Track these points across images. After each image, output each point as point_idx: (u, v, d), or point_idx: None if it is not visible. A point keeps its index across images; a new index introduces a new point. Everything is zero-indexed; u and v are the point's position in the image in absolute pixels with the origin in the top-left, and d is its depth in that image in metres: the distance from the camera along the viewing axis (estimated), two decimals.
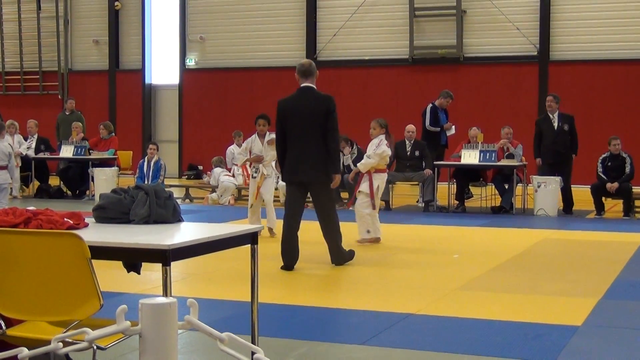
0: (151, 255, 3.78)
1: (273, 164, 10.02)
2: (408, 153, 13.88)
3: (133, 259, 4.05)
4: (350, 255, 8.21)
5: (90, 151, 15.65)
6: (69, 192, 16.00)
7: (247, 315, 4.51)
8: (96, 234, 3.98)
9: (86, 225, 4.13)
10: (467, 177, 13.82)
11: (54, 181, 16.44)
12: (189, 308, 2.28)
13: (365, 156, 9.76)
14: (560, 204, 13.09)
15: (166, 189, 4.57)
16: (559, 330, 5.58)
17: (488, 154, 13.28)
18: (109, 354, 3.63)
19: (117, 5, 22.26)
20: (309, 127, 7.78)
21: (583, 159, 13.35)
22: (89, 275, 3.39)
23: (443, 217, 12.70)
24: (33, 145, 16.19)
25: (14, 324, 3.67)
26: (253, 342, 4.47)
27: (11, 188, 15.16)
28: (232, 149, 15.59)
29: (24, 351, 2.09)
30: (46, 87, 23.03)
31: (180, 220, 4.47)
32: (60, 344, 2.14)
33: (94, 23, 22.69)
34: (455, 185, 13.83)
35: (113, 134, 16.28)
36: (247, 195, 11.03)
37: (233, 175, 15.12)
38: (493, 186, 13.72)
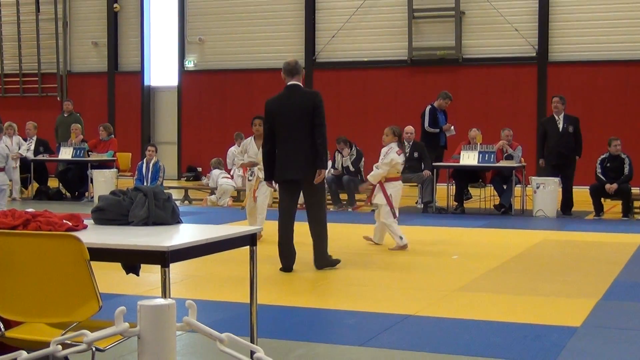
0: (150, 257, 3.78)
1: None
2: (407, 154, 13.88)
3: (132, 260, 4.06)
4: (334, 262, 8.08)
5: (90, 153, 15.65)
6: (67, 194, 16.01)
7: (246, 317, 4.51)
8: (95, 235, 3.98)
9: (85, 227, 4.13)
10: (466, 178, 13.84)
11: (53, 183, 16.43)
12: (188, 309, 2.28)
13: (374, 167, 9.57)
14: (559, 205, 13.10)
15: (165, 191, 4.57)
16: (558, 331, 5.58)
17: (487, 155, 13.29)
18: (107, 356, 3.63)
19: (116, 7, 22.27)
20: (298, 124, 7.76)
21: (582, 160, 13.36)
22: (87, 276, 3.39)
23: (442, 218, 12.71)
24: (32, 147, 16.20)
25: (12, 325, 3.67)
26: (252, 343, 4.47)
27: (11, 190, 15.19)
28: (233, 150, 15.60)
29: (23, 354, 2.09)
30: (45, 89, 23.03)
31: (179, 221, 4.47)
32: (59, 347, 2.14)
33: (93, 25, 22.70)
34: (454, 187, 13.85)
35: (112, 135, 16.29)
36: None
37: (232, 177, 15.13)
38: (492, 187, 13.73)
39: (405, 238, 9.35)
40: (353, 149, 14.19)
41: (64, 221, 3.95)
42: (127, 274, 4.25)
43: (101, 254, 3.70)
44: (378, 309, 6.25)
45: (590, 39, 18.52)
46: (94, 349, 3.18)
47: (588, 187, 13.06)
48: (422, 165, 13.64)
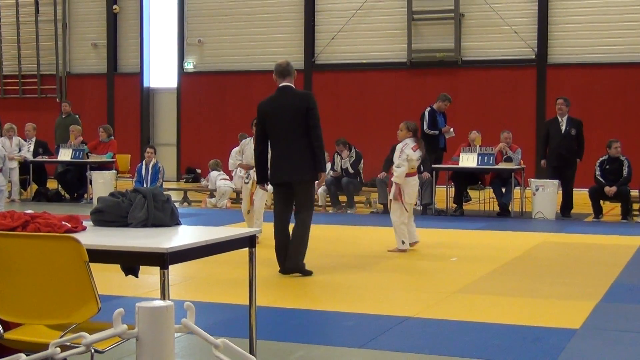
0: (149, 259, 3.78)
1: None
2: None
3: (131, 262, 4.06)
4: (306, 271, 7.78)
5: (89, 154, 15.65)
6: (67, 196, 16.00)
7: (245, 319, 4.51)
8: (94, 237, 3.98)
9: (84, 228, 4.13)
10: (465, 180, 13.83)
11: (52, 184, 16.43)
12: (187, 311, 2.28)
13: (394, 167, 9.32)
14: (558, 207, 13.10)
15: (164, 192, 4.57)
16: (557, 333, 5.58)
17: (486, 157, 13.29)
18: (106, 358, 3.63)
19: (115, 9, 22.27)
20: (291, 125, 7.68)
21: (581, 162, 13.36)
22: (86, 278, 3.39)
23: (441, 221, 12.71)
24: (31, 149, 16.19)
25: (11, 327, 3.66)
26: (251, 345, 4.47)
27: (10, 191, 15.19)
28: (237, 150, 15.56)
29: (22, 357, 2.09)
30: (44, 90, 23.02)
31: (178, 223, 4.47)
32: (58, 349, 2.14)
33: (92, 26, 22.69)
34: (453, 189, 13.84)
35: (112, 137, 16.28)
36: None
37: (232, 178, 15.10)
38: (491, 189, 13.73)
39: (407, 244, 9.31)
40: (352, 150, 14.19)
41: (63, 223, 3.95)
42: (126, 275, 4.25)
43: (100, 255, 3.69)
44: (377, 311, 6.24)
45: (590, 41, 18.52)
46: (92, 350, 3.18)
47: (587, 189, 13.06)
48: (421, 167, 13.63)
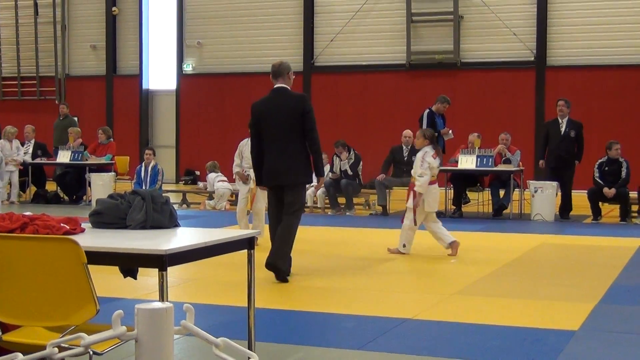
0: (148, 261, 3.77)
1: None
2: (405, 158, 13.91)
3: (129, 264, 4.06)
4: (285, 271, 7.57)
5: (87, 157, 15.64)
6: (65, 198, 15.99)
7: (244, 321, 4.51)
8: (93, 239, 3.98)
9: (83, 230, 4.13)
10: (464, 182, 13.83)
11: (51, 186, 16.42)
12: (186, 313, 2.28)
13: (417, 177, 9.12)
14: (557, 209, 13.10)
15: (163, 194, 4.57)
16: (556, 334, 5.58)
17: (485, 159, 13.30)
18: (105, 359, 3.62)
19: (114, 11, 22.27)
20: (285, 128, 7.55)
21: (580, 164, 13.37)
22: (85, 280, 3.39)
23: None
24: (30, 151, 16.19)
25: (10, 329, 3.66)
26: (250, 347, 4.47)
27: (9, 193, 15.20)
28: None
29: (19, 357, 2.09)
30: (43, 92, 23.03)
31: (176, 225, 4.47)
32: (56, 349, 2.14)
33: (91, 28, 22.70)
34: (452, 190, 13.84)
35: (111, 139, 16.27)
36: None
37: (233, 181, 15.08)
38: (490, 191, 13.73)
39: (409, 248, 9.29)
40: (351, 152, 14.18)
41: (62, 225, 3.95)
42: (124, 277, 4.25)
43: (99, 257, 3.69)
44: (376, 313, 6.24)
45: (589, 43, 18.53)
46: (91, 352, 3.18)
47: (586, 191, 13.06)
48: None
